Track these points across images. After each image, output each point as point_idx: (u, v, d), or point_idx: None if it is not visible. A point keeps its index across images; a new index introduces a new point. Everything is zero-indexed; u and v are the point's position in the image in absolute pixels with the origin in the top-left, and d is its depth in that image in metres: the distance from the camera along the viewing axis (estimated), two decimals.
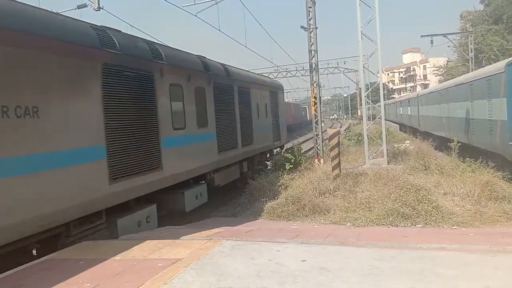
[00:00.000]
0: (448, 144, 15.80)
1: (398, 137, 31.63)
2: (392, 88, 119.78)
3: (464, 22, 49.27)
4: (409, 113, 36.12)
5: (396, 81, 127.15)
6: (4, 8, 5.88)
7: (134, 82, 8.58)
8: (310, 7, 17.53)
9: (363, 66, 18.59)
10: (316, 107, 18.08)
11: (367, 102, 18.94)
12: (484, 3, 43.58)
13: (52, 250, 6.39)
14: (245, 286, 4.58)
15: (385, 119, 18.40)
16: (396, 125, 46.16)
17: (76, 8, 20.90)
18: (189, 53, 12.24)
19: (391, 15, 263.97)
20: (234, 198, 15.04)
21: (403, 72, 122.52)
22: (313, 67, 18.07)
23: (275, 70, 60.69)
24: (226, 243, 6.44)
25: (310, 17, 17.60)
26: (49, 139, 6.18)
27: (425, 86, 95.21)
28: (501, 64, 14.01)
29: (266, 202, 11.59)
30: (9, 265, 5.60)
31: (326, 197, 11.37)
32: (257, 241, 6.72)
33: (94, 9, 19.15)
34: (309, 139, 36.52)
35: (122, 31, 9.20)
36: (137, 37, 9.96)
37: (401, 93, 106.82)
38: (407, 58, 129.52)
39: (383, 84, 21.87)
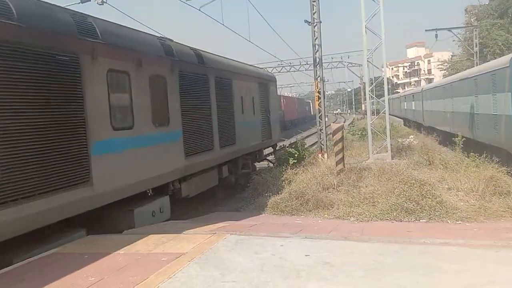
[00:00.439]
0: (453, 139, 15.73)
1: (402, 132, 31.61)
2: (396, 82, 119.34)
3: (469, 16, 49.04)
4: (413, 108, 36.01)
5: (401, 75, 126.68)
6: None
7: (43, 67, 6.36)
8: (314, 1, 17.46)
9: (367, 61, 18.53)
10: (320, 101, 18.06)
11: (371, 96, 18.90)
12: None
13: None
14: (249, 281, 4.59)
15: (389, 114, 18.36)
16: (400, 119, 46.06)
17: (79, 3, 20.88)
18: (144, 33, 9.97)
19: (395, 9, 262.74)
20: (237, 193, 15.05)
21: (408, 67, 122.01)
22: (317, 61, 18.03)
23: (278, 64, 60.58)
24: (230, 237, 6.45)
25: (314, 11, 17.54)
26: None
27: (430, 80, 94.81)
28: (505, 58, 13.93)
29: (269, 197, 11.59)
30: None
31: (330, 192, 11.36)
32: (261, 236, 6.73)
33: (97, 3, 19.15)
34: (313, 133, 36.49)
35: None
36: (56, 5, 7.35)
37: (406, 87, 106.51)
38: (411, 53, 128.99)
39: (388, 78, 21.81)
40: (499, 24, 39.51)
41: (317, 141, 19.20)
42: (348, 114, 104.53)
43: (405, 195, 9.78)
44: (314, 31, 17.64)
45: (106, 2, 19.19)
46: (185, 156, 10.29)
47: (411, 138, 24.30)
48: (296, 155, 16.64)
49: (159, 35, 10.85)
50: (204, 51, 12.71)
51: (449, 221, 8.86)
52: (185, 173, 10.38)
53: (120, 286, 4.57)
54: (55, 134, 6.45)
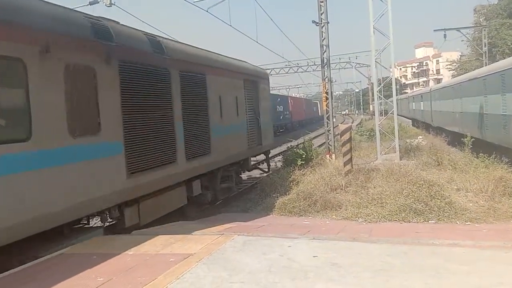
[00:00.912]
0: (461, 139, 15.65)
1: (411, 132, 31.47)
2: (404, 83, 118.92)
3: (477, 16, 48.82)
4: (422, 108, 35.84)
5: (409, 76, 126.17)
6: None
7: None
8: (322, 2, 17.44)
9: (375, 61, 18.48)
10: (328, 102, 18.02)
11: (379, 97, 18.83)
12: None
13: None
14: (257, 281, 4.59)
15: (398, 115, 18.29)
16: (409, 120, 45.85)
17: (88, 5, 21.04)
18: (60, 6, 7.08)
19: (403, 9, 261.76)
20: (245, 193, 15.06)
21: (416, 67, 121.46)
22: (324, 62, 17.99)
23: (286, 65, 60.65)
24: (237, 238, 6.46)
25: (321, 12, 17.51)
26: None
27: (438, 81, 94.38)
28: None
29: (277, 197, 11.58)
30: None
31: (338, 193, 11.33)
32: (269, 237, 6.73)
33: (106, 5, 19.29)
34: (321, 134, 36.47)
35: None
36: None
37: (414, 88, 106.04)
38: (420, 53, 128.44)
39: (396, 79, 21.75)
40: (508, 23, 39.23)
41: (325, 142, 19.16)
42: (356, 115, 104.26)
43: (414, 196, 9.74)
44: (322, 31, 17.62)
45: (114, 4, 19.32)
46: (128, 175, 7.66)
47: (420, 138, 24.20)
48: (304, 156, 16.62)
49: (94, 16, 8.01)
50: (166, 39, 10.38)
51: (458, 222, 8.81)
52: (128, 197, 7.81)
53: (129, 286, 4.59)
54: None
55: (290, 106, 57.73)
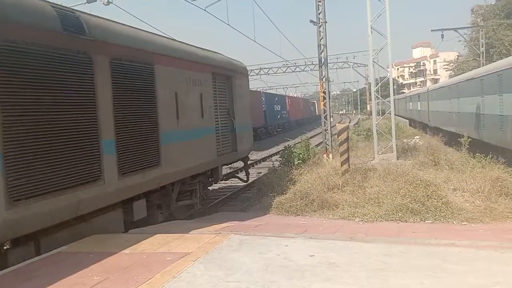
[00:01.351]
0: (458, 139, 15.69)
1: (408, 132, 31.56)
2: (402, 83, 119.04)
3: (475, 16, 48.96)
4: (419, 108, 35.91)
5: (406, 75, 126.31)
6: None
7: None
8: (320, 1, 17.46)
9: (373, 61, 18.52)
10: (325, 102, 18.04)
11: (377, 97, 18.86)
12: None
13: None
14: (253, 281, 4.59)
15: (395, 114, 18.33)
16: (406, 120, 45.95)
17: (85, 3, 21.00)
18: None
19: (401, 9, 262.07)
20: (243, 193, 15.06)
21: (413, 67, 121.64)
22: (322, 61, 18.02)
23: (284, 64, 60.68)
24: (234, 237, 6.46)
25: (319, 11, 17.54)
26: None
27: (435, 81, 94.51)
28: None
29: (274, 197, 11.60)
30: None
31: (335, 192, 11.35)
32: (266, 236, 6.72)
33: (103, 3, 19.26)
34: (318, 134, 36.51)
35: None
36: None
37: (411, 88, 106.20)
38: (417, 53, 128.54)
39: (393, 79, 21.78)
40: (505, 24, 39.35)
41: (322, 142, 19.18)
42: (353, 115, 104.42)
43: (411, 195, 9.77)
44: (320, 31, 17.64)
45: (111, 2, 19.29)
46: (8, 203, 5.30)
47: (417, 138, 24.27)
48: (301, 155, 16.64)
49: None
50: (93, 15, 7.72)
51: (454, 222, 8.84)
52: (12, 234, 5.59)
53: (125, 285, 4.58)
54: None
55: (287, 106, 57.82)
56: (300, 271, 4.84)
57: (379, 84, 20.59)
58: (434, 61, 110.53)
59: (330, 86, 19.27)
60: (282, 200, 11.10)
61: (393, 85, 20.72)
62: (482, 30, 36.30)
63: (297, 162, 15.77)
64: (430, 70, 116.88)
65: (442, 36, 35.93)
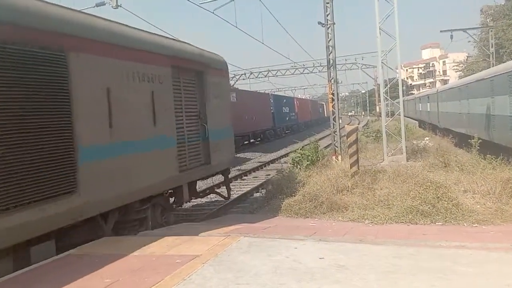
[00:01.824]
0: (468, 140, 15.57)
1: (417, 133, 31.38)
2: (411, 84, 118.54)
3: (484, 17, 48.65)
4: (429, 110, 35.70)
5: (415, 77, 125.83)
6: None
7: None
8: (328, 3, 17.42)
9: (382, 62, 18.46)
10: (334, 103, 17.99)
11: (386, 98, 18.79)
12: None
13: None
14: (262, 283, 4.59)
15: (404, 116, 18.24)
16: (415, 121, 45.69)
17: (94, 6, 21.17)
18: None
19: (410, 9, 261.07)
20: (251, 195, 15.06)
21: (422, 68, 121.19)
22: (330, 63, 17.97)
23: (292, 66, 60.59)
24: (243, 239, 6.46)
25: (327, 13, 17.50)
26: None
27: (445, 82, 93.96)
28: None
29: (283, 199, 11.57)
30: None
31: (344, 194, 11.30)
32: (275, 238, 6.72)
33: (112, 7, 19.38)
34: (327, 135, 36.43)
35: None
36: None
37: (420, 89, 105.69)
38: (426, 54, 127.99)
39: (402, 80, 21.70)
40: None
41: (331, 143, 19.13)
42: (362, 116, 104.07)
43: (421, 197, 9.69)
44: (328, 32, 17.60)
45: (120, 6, 19.41)
46: None
47: (426, 140, 24.12)
48: (310, 157, 16.59)
49: None
50: None
51: (465, 224, 8.76)
52: None
53: (135, 287, 4.61)
54: None
55: (296, 108, 57.81)
56: (310, 273, 4.84)
57: (388, 86, 20.52)
58: (444, 62, 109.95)
59: (338, 88, 19.19)
60: (291, 202, 11.08)
61: (402, 86, 20.64)
62: (491, 31, 36.06)
63: (306, 164, 15.73)
64: (439, 71, 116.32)
65: (451, 36, 35.75)
